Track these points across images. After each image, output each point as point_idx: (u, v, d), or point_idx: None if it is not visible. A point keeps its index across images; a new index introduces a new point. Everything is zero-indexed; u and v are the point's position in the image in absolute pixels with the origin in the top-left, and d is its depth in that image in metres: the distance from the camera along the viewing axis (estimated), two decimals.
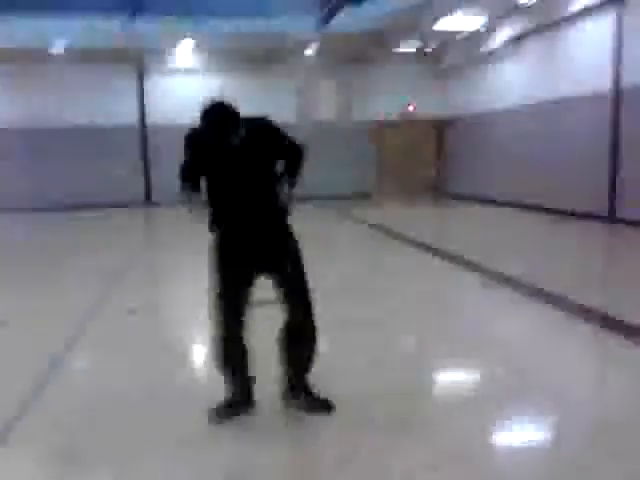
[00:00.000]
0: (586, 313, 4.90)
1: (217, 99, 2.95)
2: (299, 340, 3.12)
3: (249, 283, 3.07)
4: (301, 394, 3.21)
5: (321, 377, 3.30)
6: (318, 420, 3.12)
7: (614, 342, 4.32)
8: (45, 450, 2.93)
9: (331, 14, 9.46)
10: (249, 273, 3.06)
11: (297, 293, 3.10)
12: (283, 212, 3.12)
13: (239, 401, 3.18)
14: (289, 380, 3.20)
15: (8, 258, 8.87)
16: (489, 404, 3.33)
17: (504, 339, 4.50)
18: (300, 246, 3.14)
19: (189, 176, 3.05)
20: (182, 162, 3.08)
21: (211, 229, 3.08)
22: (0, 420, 3.20)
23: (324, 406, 3.19)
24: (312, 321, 3.12)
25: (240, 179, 3.00)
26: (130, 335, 4.78)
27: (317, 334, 3.13)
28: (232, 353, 3.11)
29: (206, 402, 3.20)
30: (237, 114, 2.94)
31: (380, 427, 3.04)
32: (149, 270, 8.23)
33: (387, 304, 5.52)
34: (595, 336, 4.57)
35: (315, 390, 3.24)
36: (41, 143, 15.71)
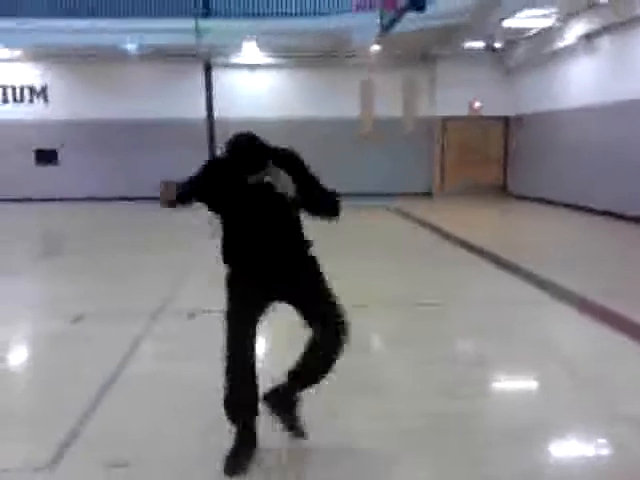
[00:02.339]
0: None
1: (245, 132, 2.81)
2: (327, 361, 2.97)
3: (260, 310, 2.96)
4: (288, 410, 3.11)
5: None
6: None
7: None
8: (106, 461, 3.03)
9: (393, 22, 9.42)
10: (260, 300, 2.95)
11: (327, 312, 2.95)
12: (305, 247, 3.01)
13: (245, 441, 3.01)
14: (286, 391, 3.08)
15: (79, 249, 9.35)
16: None
17: None
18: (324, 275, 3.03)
19: (189, 192, 2.87)
20: (191, 177, 2.92)
21: (225, 260, 3.02)
22: (63, 426, 3.38)
23: (300, 432, 3.13)
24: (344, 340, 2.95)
25: (258, 215, 2.88)
26: (193, 339, 4.98)
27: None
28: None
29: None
30: (265, 149, 2.79)
31: None
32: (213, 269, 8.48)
33: None
34: None
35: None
36: (114, 135, 16.44)
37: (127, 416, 3.55)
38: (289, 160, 2.90)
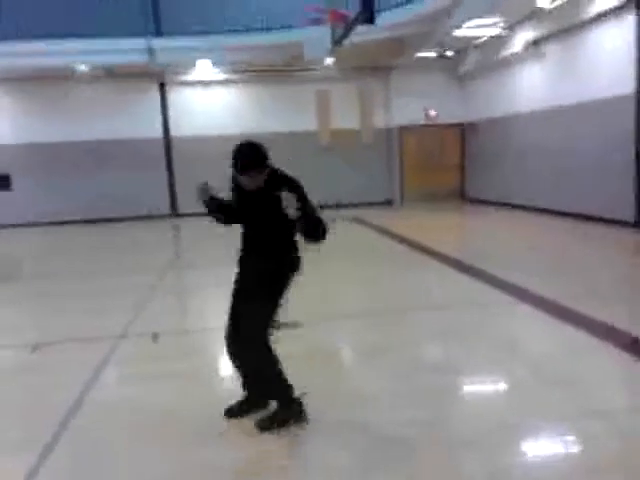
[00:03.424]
0: None
1: (247, 140, 3.25)
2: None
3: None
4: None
5: None
6: None
7: None
8: None
9: (344, 36, 9.53)
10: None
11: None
12: (282, 253, 3.41)
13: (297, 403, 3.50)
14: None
15: (36, 275, 9.10)
16: None
17: None
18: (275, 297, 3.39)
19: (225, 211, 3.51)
20: (228, 195, 3.47)
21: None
22: (28, 458, 3.28)
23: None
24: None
25: (250, 220, 3.39)
26: (156, 361, 4.88)
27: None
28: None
29: (229, 434, 3.28)
30: (259, 155, 3.20)
31: None
32: (176, 290, 8.38)
33: None
34: None
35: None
36: (68, 157, 16.12)
37: (92, 445, 3.44)
38: (289, 184, 3.23)
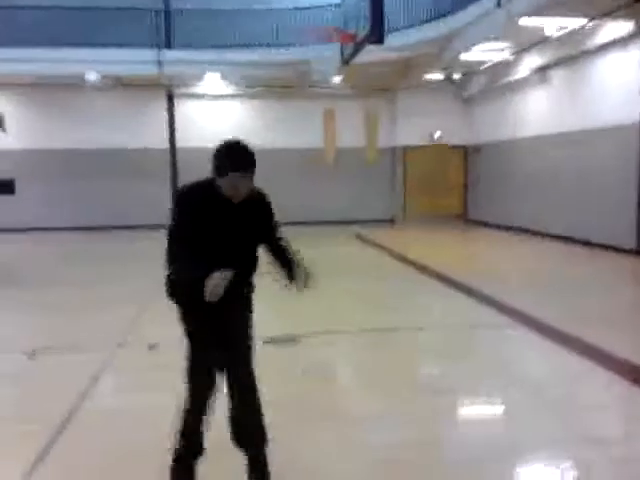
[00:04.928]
0: None
1: (233, 138, 2.79)
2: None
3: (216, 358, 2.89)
4: None
5: None
6: None
7: None
8: None
9: (353, 55, 9.64)
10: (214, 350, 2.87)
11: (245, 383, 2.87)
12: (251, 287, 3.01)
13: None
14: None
15: (35, 281, 9.08)
16: None
17: None
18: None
19: (185, 247, 2.78)
20: (174, 230, 2.84)
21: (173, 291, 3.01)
22: (22, 461, 3.27)
23: None
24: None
25: (228, 239, 2.77)
26: (153, 371, 4.86)
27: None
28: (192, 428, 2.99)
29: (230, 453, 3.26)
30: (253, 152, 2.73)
31: None
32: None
33: None
34: None
35: None
36: (72, 164, 16.24)
37: (85, 454, 3.42)
38: (264, 204, 2.95)
